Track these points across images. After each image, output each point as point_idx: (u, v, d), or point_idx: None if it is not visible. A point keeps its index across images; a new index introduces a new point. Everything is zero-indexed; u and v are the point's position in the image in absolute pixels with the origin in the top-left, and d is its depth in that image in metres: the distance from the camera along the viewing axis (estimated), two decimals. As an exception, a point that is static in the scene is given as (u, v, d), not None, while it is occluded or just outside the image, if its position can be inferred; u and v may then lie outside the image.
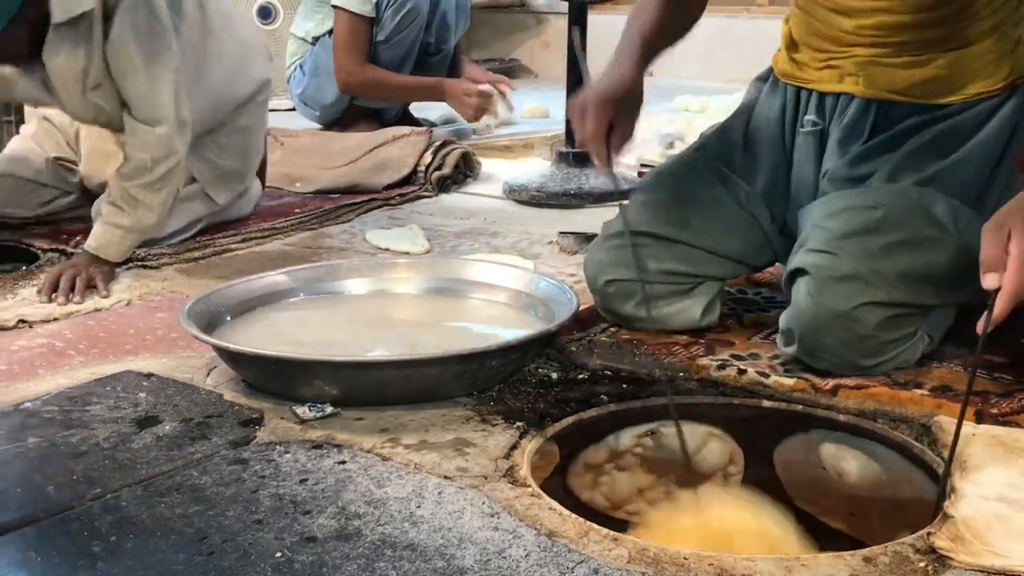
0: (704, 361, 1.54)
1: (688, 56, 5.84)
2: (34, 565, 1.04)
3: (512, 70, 3.46)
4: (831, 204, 1.55)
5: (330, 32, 3.44)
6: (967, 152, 1.56)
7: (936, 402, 1.38)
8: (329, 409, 1.38)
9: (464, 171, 3.01)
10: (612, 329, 1.69)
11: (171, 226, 2.23)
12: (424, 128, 3.23)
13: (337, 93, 3.42)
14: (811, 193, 1.65)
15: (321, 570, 1.01)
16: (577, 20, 2.87)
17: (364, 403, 1.40)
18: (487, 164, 3.15)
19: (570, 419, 1.39)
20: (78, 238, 2.24)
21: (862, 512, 1.39)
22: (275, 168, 2.79)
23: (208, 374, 1.53)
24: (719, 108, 3.76)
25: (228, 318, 1.65)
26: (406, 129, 3.09)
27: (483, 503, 1.14)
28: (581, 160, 2.88)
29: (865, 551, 1.06)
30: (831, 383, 1.45)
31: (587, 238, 2.12)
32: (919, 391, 1.42)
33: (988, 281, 1.24)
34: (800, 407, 1.42)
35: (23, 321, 1.78)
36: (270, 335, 1.61)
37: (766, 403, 1.44)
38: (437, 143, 2.99)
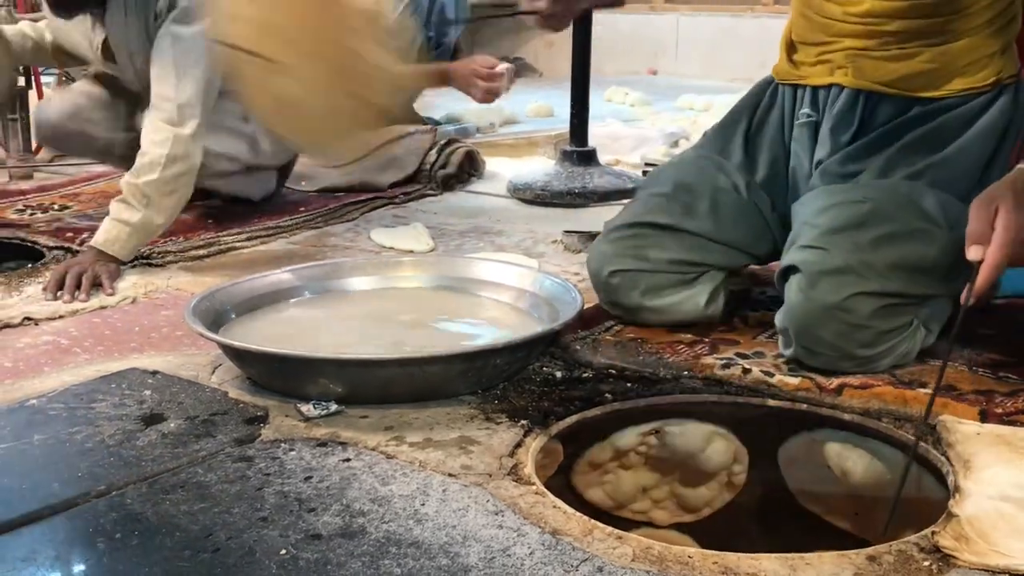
0: (708, 360, 1.54)
1: (692, 55, 5.85)
2: (40, 562, 1.04)
3: (517, 69, 3.46)
4: (820, 200, 1.57)
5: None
6: (958, 148, 1.58)
7: (941, 401, 1.38)
8: (334, 407, 1.38)
9: (469, 170, 3.01)
10: (616, 328, 1.69)
11: (213, 146, 2.24)
12: (429, 127, 3.23)
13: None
14: (807, 183, 1.69)
15: (326, 567, 1.01)
16: (582, 19, 2.86)
17: (368, 401, 1.40)
18: (492, 163, 3.16)
19: (574, 417, 1.39)
20: (84, 235, 2.25)
21: (866, 511, 1.39)
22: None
23: (213, 372, 1.53)
24: (723, 107, 3.74)
25: (233, 316, 1.65)
26: (411, 128, 3.09)
27: (487, 501, 1.14)
28: (585, 159, 2.89)
29: (869, 550, 1.05)
30: (836, 382, 1.45)
31: (591, 237, 2.12)
32: (924, 390, 1.42)
33: (972, 253, 1.29)
34: (805, 406, 1.42)
35: (29, 319, 1.79)
36: (275, 333, 1.61)
37: (771, 402, 1.44)
38: (442, 142, 2.99)
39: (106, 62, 2.34)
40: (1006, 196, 1.30)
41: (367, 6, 1.48)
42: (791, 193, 1.72)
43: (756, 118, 1.78)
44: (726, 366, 1.51)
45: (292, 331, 1.64)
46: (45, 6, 2.24)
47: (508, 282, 1.76)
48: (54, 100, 2.52)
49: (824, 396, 1.43)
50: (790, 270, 1.52)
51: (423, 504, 1.14)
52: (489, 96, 3.37)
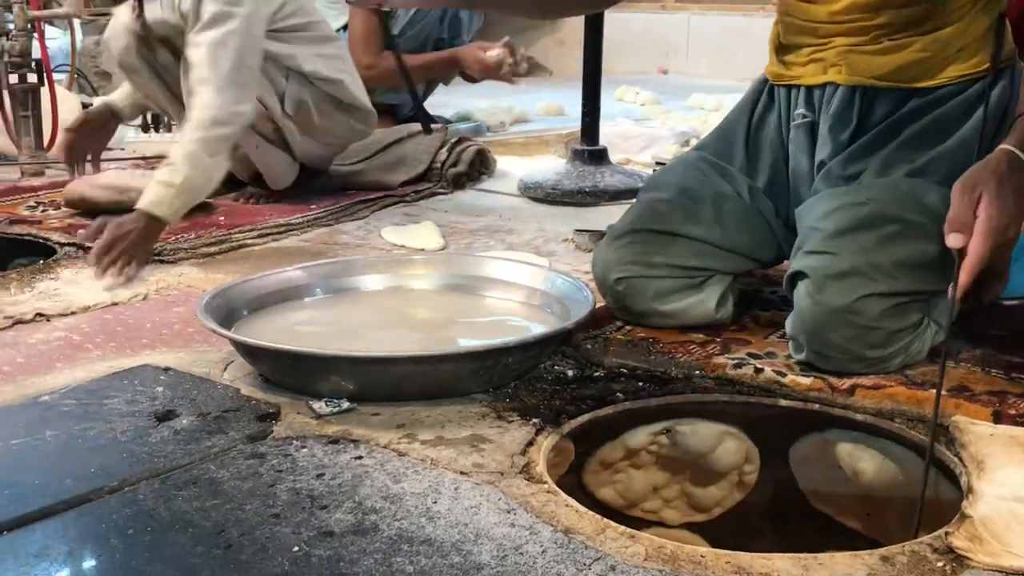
0: (720, 360, 1.54)
1: (702, 54, 5.85)
2: (53, 557, 1.04)
3: (529, 68, 3.47)
4: (824, 204, 1.57)
5: (344, 27, 3.44)
6: (957, 140, 1.57)
7: (954, 402, 1.37)
8: (346, 404, 1.38)
9: (479, 168, 3.01)
10: (627, 327, 1.69)
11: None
12: (440, 125, 3.23)
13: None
14: (808, 185, 1.68)
15: (338, 564, 1.01)
16: (594, 18, 2.86)
17: (380, 398, 1.40)
18: (502, 161, 3.16)
19: (586, 416, 1.38)
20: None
21: (878, 512, 1.39)
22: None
23: (225, 368, 1.54)
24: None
25: (245, 313, 1.65)
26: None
27: (499, 499, 1.14)
28: (596, 158, 2.89)
29: (883, 550, 1.05)
30: (848, 383, 1.45)
31: (602, 236, 2.12)
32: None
33: (952, 240, 1.28)
34: (817, 406, 1.42)
35: (41, 315, 1.79)
36: (287, 330, 1.62)
37: (782, 402, 1.44)
38: (452, 140, 2.99)
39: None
40: (989, 182, 1.28)
41: None
42: (793, 196, 1.71)
43: (755, 119, 1.77)
44: (738, 366, 1.51)
45: (304, 328, 1.64)
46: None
47: (520, 281, 1.76)
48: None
49: (836, 396, 1.43)
50: (798, 276, 1.52)
51: (435, 502, 1.14)
52: (497, 69, 3.37)
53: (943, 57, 1.59)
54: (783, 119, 1.73)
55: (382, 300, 1.78)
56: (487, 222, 2.51)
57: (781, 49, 1.73)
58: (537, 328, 1.60)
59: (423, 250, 2.23)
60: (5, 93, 3.03)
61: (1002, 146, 1.38)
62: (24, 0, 3.00)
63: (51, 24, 3.87)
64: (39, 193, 2.75)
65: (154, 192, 2.06)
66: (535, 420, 1.35)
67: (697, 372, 1.51)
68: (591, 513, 1.12)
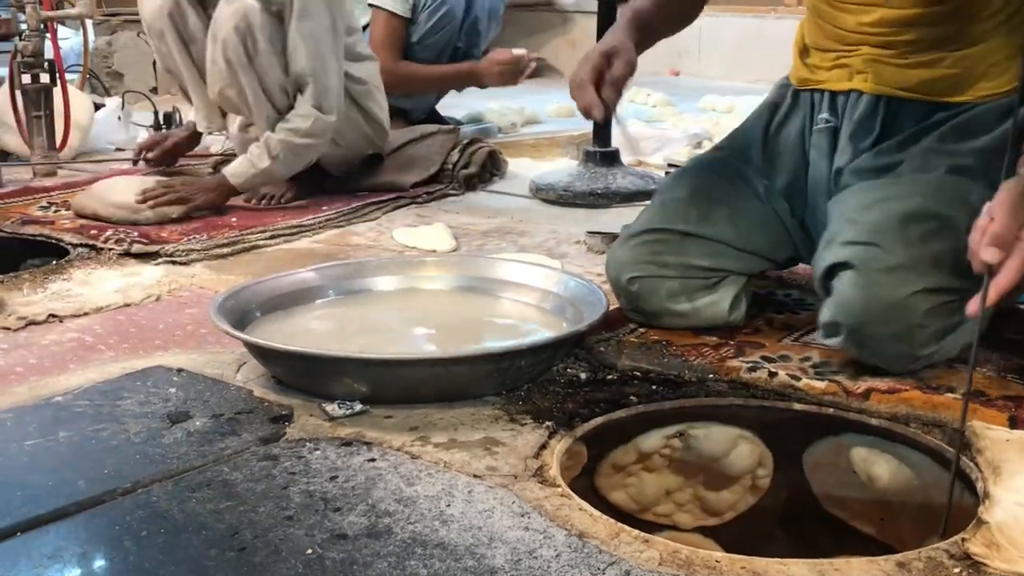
0: (734, 363, 1.53)
1: (715, 56, 5.83)
2: (66, 559, 1.04)
3: (538, 69, 3.47)
4: (863, 197, 1.54)
5: (366, 27, 3.44)
6: (996, 140, 1.55)
7: (971, 407, 1.36)
8: (359, 406, 1.38)
9: (491, 170, 3.01)
10: (641, 330, 1.68)
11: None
12: (451, 126, 3.23)
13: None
14: (825, 190, 1.67)
15: (352, 567, 1.01)
16: (606, 17, 2.86)
17: (393, 401, 1.40)
18: (514, 163, 3.15)
19: (599, 420, 1.38)
20: (108, 232, 2.26)
21: (893, 517, 1.38)
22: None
23: (238, 370, 1.54)
24: (746, 108, 3.74)
25: (258, 314, 1.65)
26: (433, 127, 3.09)
27: (513, 502, 1.14)
28: (608, 159, 2.88)
29: (899, 556, 1.05)
30: (863, 387, 1.44)
31: (614, 237, 2.11)
32: (952, 395, 1.40)
33: (989, 255, 1.19)
34: (831, 410, 1.41)
35: (54, 316, 1.79)
36: (299, 331, 1.61)
37: (796, 406, 1.43)
38: (464, 141, 2.99)
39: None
40: None
41: None
42: (810, 199, 1.70)
43: (776, 121, 1.76)
44: (752, 369, 1.51)
45: (317, 330, 1.64)
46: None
47: (533, 283, 1.75)
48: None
49: (851, 400, 1.42)
50: (839, 267, 1.48)
51: (448, 505, 1.13)
52: (512, 77, 3.43)
53: (972, 74, 1.58)
54: (806, 123, 1.72)
55: (394, 302, 1.77)
56: (499, 223, 2.51)
57: (805, 52, 1.73)
58: (550, 331, 1.60)
59: (435, 252, 2.23)
60: (18, 93, 3.03)
61: None
62: (37, 1, 3.01)
63: (63, 24, 3.87)
64: (51, 193, 2.75)
65: (240, 165, 2.48)
66: (548, 423, 1.35)
67: (711, 375, 1.50)
68: (605, 517, 1.12)
